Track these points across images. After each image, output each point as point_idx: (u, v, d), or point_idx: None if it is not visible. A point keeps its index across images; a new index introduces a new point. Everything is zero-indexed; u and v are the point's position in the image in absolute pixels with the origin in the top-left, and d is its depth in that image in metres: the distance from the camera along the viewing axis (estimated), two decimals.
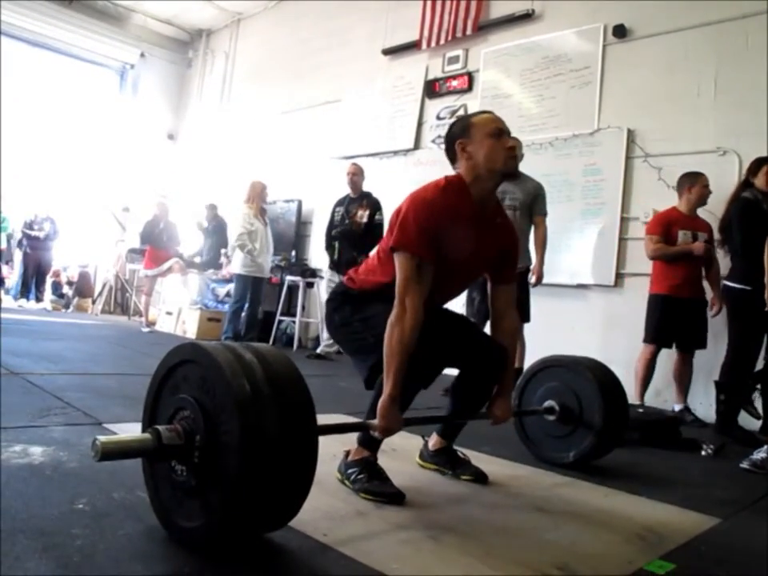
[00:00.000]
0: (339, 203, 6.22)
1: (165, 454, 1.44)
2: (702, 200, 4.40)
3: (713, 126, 4.86)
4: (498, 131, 2.07)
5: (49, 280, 9.69)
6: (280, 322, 7.29)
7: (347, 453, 2.12)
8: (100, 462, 1.36)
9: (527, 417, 2.79)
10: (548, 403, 2.65)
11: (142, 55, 10.22)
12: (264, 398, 1.36)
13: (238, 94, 9.67)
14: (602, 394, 2.56)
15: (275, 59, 8.86)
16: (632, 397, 4.40)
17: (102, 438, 1.36)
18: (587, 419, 2.56)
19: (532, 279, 4.53)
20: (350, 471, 2.05)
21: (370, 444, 2.10)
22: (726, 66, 4.87)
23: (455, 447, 2.42)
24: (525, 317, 4.45)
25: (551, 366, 2.78)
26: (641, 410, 3.70)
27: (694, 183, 4.40)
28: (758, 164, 3.97)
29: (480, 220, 2.09)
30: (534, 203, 4.51)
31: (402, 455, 2.53)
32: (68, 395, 2.99)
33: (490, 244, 2.16)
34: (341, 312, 2.23)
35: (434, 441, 2.43)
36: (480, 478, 2.29)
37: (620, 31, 5.44)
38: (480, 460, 2.43)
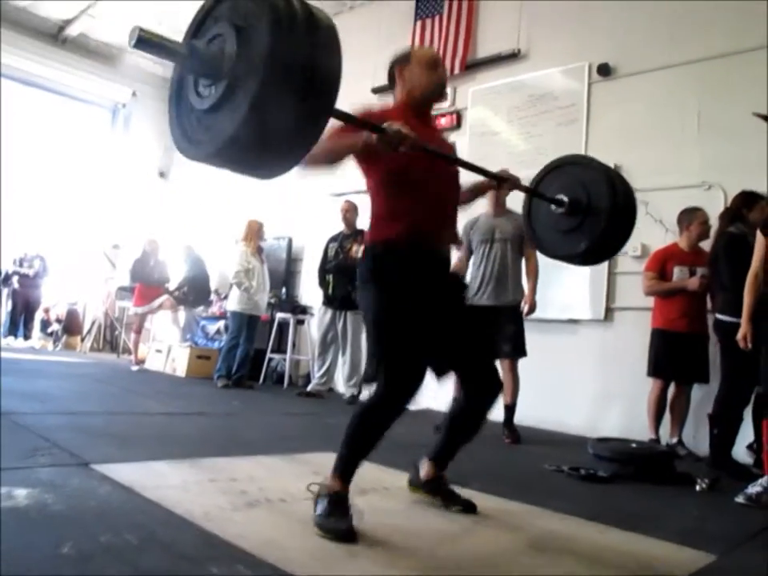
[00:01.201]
0: (333, 239, 6.26)
1: (196, 60, 1.56)
2: (702, 236, 4.45)
3: (698, 160, 4.93)
4: (434, 62, 2.34)
5: (38, 317, 9.63)
6: (270, 359, 7.25)
7: (324, 481, 2.09)
8: (134, 47, 1.47)
9: (536, 219, 2.72)
10: (557, 196, 2.59)
11: (134, 94, 10.29)
12: (298, 20, 1.48)
13: None
14: (609, 181, 2.53)
15: None
16: (646, 431, 4.42)
17: (143, 27, 1.47)
18: (595, 206, 2.50)
19: (525, 308, 4.53)
20: (317, 502, 2.01)
21: (343, 473, 2.06)
22: (709, 102, 4.96)
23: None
24: (521, 351, 4.43)
25: (559, 165, 2.72)
26: (634, 445, 3.68)
27: (692, 220, 4.48)
28: (753, 198, 4.00)
29: (425, 129, 2.23)
30: (525, 237, 4.54)
31: (394, 494, 2.50)
32: (55, 435, 2.94)
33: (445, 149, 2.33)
34: (363, 291, 2.22)
35: (425, 469, 2.40)
36: (469, 508, 2.32)
37: (604, 70, 5.55)
38: (471, 498, 2.40)
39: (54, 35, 9.38)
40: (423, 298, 2.10)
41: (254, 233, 6.63)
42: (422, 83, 2.29)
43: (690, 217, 4.49)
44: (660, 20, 5.31)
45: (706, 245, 4.47)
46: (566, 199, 2.55)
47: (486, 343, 2.35)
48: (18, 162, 9.37)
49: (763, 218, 3.51)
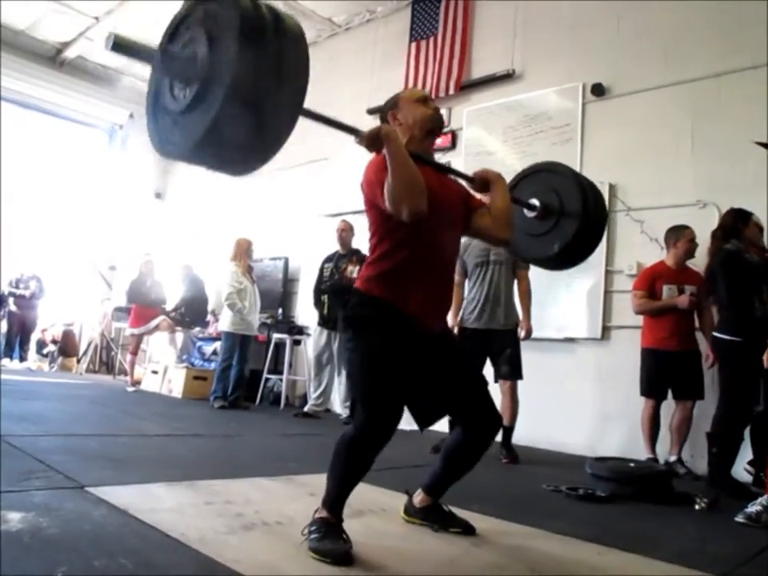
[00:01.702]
0: (328, 260, 6.26)
1: (170, 63, 1.65)
2: (689, 254, 4.49)
3: (692, 179, 4.96)
4: (423, 98, 2.36)
5: (34, 338, 9.60)
6: (267, 380, 7.22)
7: (316, 511, 2.08)
8: (111, 51, 1.56)
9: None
10: (530, 201, 2.64)
11: (131, 116, 10.33)
12: (266, 24, 1.55)
13: None
14: (579, 185, 2.60)
15: None
16: (642, 450, 4.43)
17: (117, 33, 1.57)
18: (567, 209, 2.57)
19: (521, 333, 4.51)
20: (310, 530, 2.00)
21: (332, 507, 2.04)
22: (702, 122, 5.00)
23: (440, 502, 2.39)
24: (517, 373, 4.42)
25: (532, 172, 2.80)
26: (632, 464, 3.66)
27: (679, 238, 4.50)
28: (747, 215, 3.99)
29: (426, 173, 2.14)
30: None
31: (391, 515, 2.48)
32: (49, 457, 2.92)
33: (448, 191, 2.29)
34: (345, 334, 2.24)
35: (420, 498, 2.40)
36: (468, 530, 2.31)
37: (598, 89, 5.59)
38: (470, 519, 2.38)
39: (52, 57, 9.45)
40: (402, 354, 2.09)
41: (243, 251, 6.61)
42: (417, 119, 2.28)
43: (677, 234, 4.52)
44: (652, 41, 5.37)
45: (693, 262, 4.51)
46: (538, 204, 2.62)
47: (478, 383, 2.29)
48: (15, 183, 9.39)
49: None
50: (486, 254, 4.51)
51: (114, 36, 1.56)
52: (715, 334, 3.90)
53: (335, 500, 2.05)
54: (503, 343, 4.41)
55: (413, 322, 2.12)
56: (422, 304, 2.14)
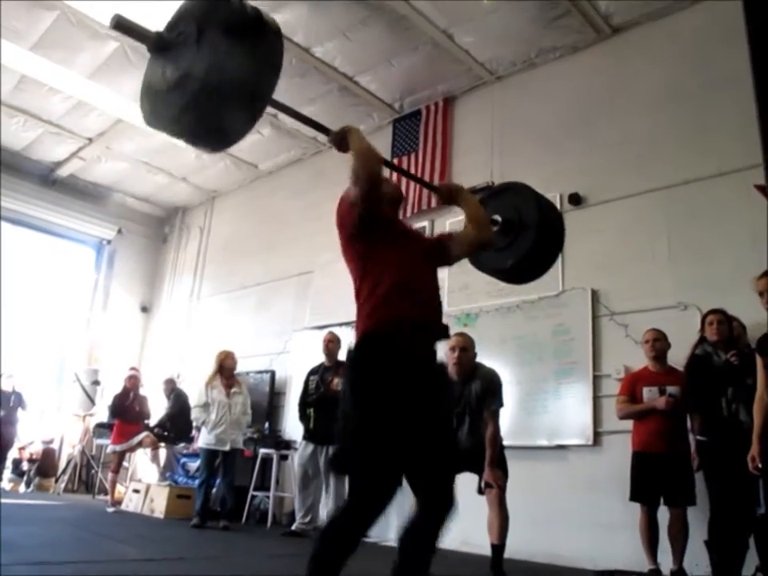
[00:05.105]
0: (313, 372, 6.18)
1: (162, 43, 1.88)
2: (650, 353, 4.53)
3: (671, 282, 5.06)
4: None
5: (10, 456, 9.27)
6: (253, 497, 6.97)
7: None
8: (113, 29, 1.80)
9: None
10: (493, 217, 2.79)
11: (119, 231, 10.52)
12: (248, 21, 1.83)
13: (213, 267, 9.89)
14: (536, 199, 2.86)
15: (249, 232, 9.15)
16: (643, 560, 4.25)
17: (120, 14, 1.79)
18: (525, 222, 2.76)
19: (483, 482, 4.03)
20: None
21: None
22: (677, 226, 5.17)
23: None
24: (503, 466, 4.11)
25: (497, 192, 3.08)
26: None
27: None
28: (705, 316, 4.17)
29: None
30: (485, 397, 4.16)
31: None
32: None
33: (418, 234, 2.57)
34: (348, 390, 2.19)
35: None
36: None
37: (575, 199, 5.80)
38: None
39: (45, 176, 9.74)
40: (409, 406, 2.06)
41: (214, 365, 6.56)
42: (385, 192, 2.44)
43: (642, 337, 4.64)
44: (625, 151, 5.64)
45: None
46: (499, 219, 2.80)
47: (447, 456, 2.25)
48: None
49: (760, 339, 3.56)
50: (457, 398, 4.12)
51: (117, 16, 1.75)
52: (697, 437, 4.01)
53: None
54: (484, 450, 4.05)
55: (413, 350, 2.15)
56: (417, 325, 2.18)
